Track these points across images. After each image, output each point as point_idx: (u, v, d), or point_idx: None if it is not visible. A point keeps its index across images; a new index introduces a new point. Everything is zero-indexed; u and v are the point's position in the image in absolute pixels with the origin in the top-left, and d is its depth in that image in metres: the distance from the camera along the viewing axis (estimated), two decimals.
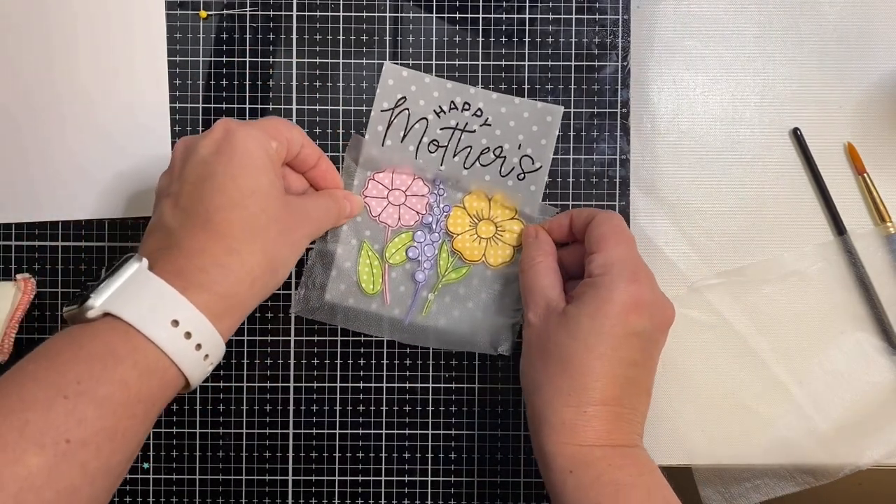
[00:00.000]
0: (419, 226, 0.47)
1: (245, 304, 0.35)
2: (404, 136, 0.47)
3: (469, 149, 0.47)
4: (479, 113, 0.47)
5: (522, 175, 0.47)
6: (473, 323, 0.47)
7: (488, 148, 0.47)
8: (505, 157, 0.47)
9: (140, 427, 0.31)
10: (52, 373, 0.29)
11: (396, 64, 0.47)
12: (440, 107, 0.47)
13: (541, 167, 0.47)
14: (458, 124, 0.47)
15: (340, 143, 0.47)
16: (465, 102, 0.47)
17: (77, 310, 0.32)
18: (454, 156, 0.47)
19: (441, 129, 0.47)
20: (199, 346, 0.33)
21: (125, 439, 0.30)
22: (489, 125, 0.47)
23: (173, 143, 0.47)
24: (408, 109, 0.47)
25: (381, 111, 0.47)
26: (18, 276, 0.46)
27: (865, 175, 0.48)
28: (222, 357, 0.35)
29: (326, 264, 0.46)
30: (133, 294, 0.32)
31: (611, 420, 0.38)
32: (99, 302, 0.31)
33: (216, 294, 0.33)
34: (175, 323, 0.32)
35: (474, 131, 0.47)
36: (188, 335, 0.32)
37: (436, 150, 0.47)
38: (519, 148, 0.47)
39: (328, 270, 0.46)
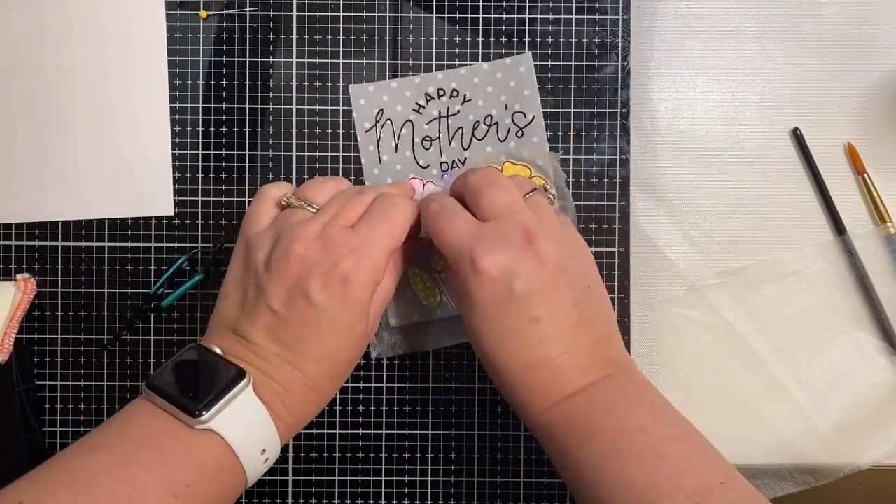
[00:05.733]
0: None
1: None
2: (397, 145, 0.47)
3: (461, 129, 0.47)
4: (455, 93, 0.47)
5: (520, 132, 0.47)
6: None
7: (478, 121, 0.47)
8: (497, 122, 0.47)
9: None
10: (168, 470, 0.31)
11: (359, 84, 0.47)
12: (417, 104, 0.47)
13: (534, 117, 0.47)
14: (440, 112, 0.47)
15: (340, 143, 0.47)
16: (439, 89, 0.47)
17: (183, 417, 0.33)
18: (450, 142, 0.47)
19: (427, 123, 0.47)
20: (266, 460, 0.35)
21: None
22: (470, 100, 0.47)
23: (173, 143, 0.47)
24: (389, 120, 0.47)
25: (366, 132, 0.47)
26: (18, 276, 0.46)
27: (865, 175, 0.48)
28: None
29: None
30: (237, 416, 0.34)
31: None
32: (208, 418, 0.33)
33: (290, 420, 0.36)
34: (263, 451, 0.35)
35: (458, 112, 0.47)
36: (265, 458, 0.35)
37: (430, 144, 0.47)
38: (506, 108, 0.47)
39: None
